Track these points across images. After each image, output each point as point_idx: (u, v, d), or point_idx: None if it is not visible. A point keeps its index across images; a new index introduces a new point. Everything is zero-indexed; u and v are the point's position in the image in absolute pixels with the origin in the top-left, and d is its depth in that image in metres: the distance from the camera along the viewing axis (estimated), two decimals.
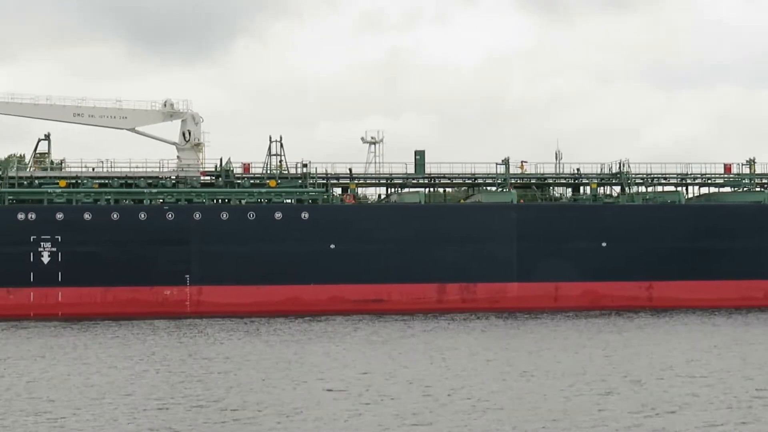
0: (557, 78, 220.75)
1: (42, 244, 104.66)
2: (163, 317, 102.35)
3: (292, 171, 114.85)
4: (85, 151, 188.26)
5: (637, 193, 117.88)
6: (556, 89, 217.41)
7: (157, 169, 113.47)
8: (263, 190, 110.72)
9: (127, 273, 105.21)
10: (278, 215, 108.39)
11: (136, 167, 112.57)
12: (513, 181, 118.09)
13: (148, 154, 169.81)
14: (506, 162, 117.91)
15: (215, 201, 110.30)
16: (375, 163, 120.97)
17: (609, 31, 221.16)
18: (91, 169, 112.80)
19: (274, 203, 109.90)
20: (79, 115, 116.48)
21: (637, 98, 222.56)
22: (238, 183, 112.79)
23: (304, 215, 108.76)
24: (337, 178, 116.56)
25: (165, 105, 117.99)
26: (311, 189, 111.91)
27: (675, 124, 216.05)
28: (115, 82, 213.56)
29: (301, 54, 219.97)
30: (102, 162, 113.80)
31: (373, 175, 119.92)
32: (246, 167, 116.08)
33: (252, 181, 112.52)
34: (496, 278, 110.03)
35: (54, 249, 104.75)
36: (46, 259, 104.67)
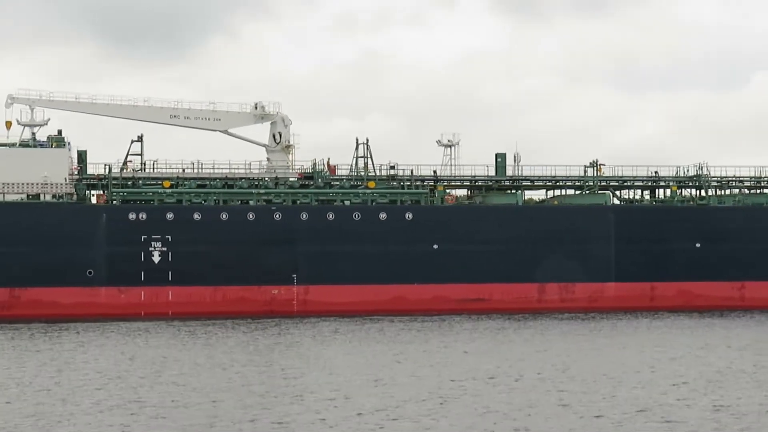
0: (529, 79, 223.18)
1: (153, 243, 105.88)
2: (270, 317, 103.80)
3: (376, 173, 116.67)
4: (172, 153, 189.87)
5: (727, 195, 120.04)
6: (528, 90, 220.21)
7: (246, 171, 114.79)
8: (368, 191, 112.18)
9: (236, 272, 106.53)
10: (383, 216, 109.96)
11: (237, 168, 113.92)
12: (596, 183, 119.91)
13: (233, 155, 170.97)
14: (595, 164, 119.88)
15: (317, 201, 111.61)
16: (451, 165, 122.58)
17: (583, 33, 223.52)
18: (182, 170, 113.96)
19: (379, 204, 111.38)
20: (175, 116, 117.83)
21: (607, 100, 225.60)
22: (336, 184, 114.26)
23: (408, 216, 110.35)
24: (422, 180, 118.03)
25: (256, 107, 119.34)
26: (413, 190, 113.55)
27: (642, 126, 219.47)
28: (88, 83, 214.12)
29: (274, 53, 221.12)
30: (193, 163, 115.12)
31: (458, 177, 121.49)
32: (332, 169, 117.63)
33: (347, 183, 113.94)
34: (594, 278, 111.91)
35: (164, 249, 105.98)
36: (156, 258, 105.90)
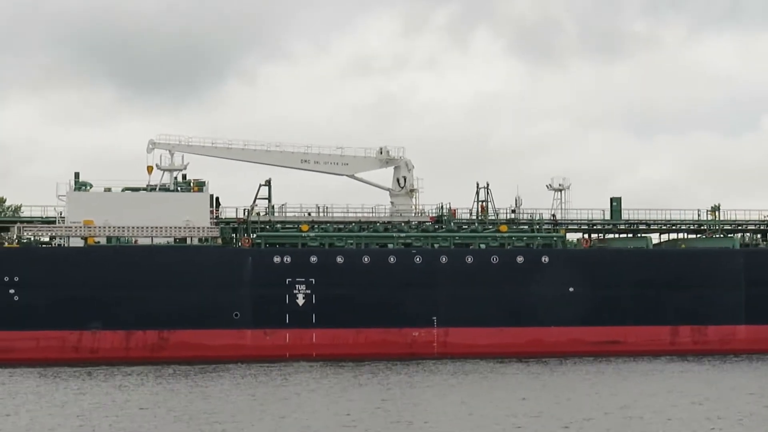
0: (543, 123, 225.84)
1: (297, 286, 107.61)
2: (411, 359, 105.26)
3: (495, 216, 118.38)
4: (293, 196, 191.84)
5: None
6: (541, 134, 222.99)
7: (373, 214, 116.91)
8: (504, 234, 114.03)
9: (378, 315, 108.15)
10: (520, 259, 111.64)
11: (366, 212, 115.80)
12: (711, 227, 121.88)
13: (354, 198, 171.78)
14: (716, 208, 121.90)
15: (453, 245, 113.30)
16: (561, 209, 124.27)
17: (598, 77, 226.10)
18: (307, 214, 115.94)
19: (516, 247, 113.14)
20: (305, 161, 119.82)
21: (619, 144, 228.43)
22: (465, 227, 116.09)
23: (545, 259, 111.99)
24: (540, 224, 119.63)
25: (381, 152, 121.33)
26: (546, 233, 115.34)
27: (652, 171, 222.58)
28: (101, 126, 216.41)
29: (289, 97, 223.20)
30: (318, 207, 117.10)
31: (575, 221, 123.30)
32: (453, 212, 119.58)
33: (480, 226, 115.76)
34: (725, 321, 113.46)
35: (308, 291, 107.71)
36: (300, 301, 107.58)
